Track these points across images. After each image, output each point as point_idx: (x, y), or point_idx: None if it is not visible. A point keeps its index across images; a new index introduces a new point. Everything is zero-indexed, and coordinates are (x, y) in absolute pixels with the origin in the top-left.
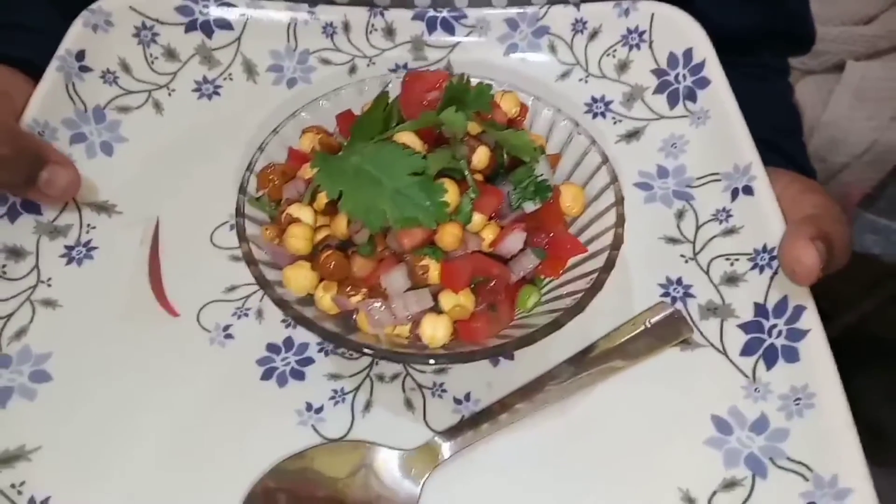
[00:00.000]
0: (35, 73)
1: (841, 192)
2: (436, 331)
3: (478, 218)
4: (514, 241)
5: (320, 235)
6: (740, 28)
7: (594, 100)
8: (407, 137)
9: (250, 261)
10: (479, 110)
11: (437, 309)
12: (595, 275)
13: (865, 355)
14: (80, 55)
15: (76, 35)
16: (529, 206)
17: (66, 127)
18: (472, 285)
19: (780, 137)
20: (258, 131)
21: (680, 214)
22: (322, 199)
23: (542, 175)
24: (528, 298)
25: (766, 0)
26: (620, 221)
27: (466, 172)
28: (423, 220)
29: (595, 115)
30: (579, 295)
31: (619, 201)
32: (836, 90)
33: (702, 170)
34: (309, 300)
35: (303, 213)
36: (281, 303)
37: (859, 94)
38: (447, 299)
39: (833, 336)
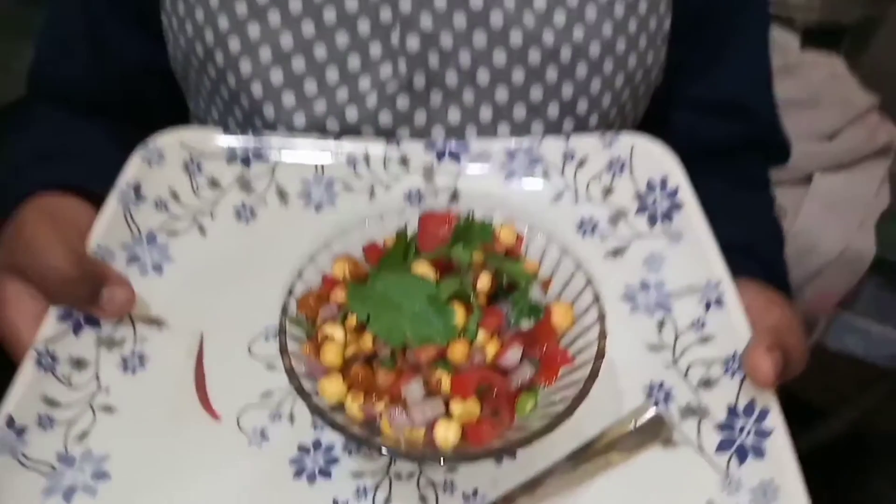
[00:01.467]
0: (93, 195)
1: (817, 296)
2: (447, 434)
3: (482, 335)
4: (513, 354)
5: (350, 351)
6: (722, 139)
7: (583, 220)
8: (422, 268)
9: (291, 374)
10: (483, 242)
11: (448, 414)
12: (583, 383)
13: (877, 451)
14: (137, 186)
15: (134, 168)
16: (525, 324)
17: (123, 250)
18: (478, 393)
19: (760, 246)
20: (290, 251)
21: (661, 324)
22: (352, 320)
23: (534, 298)
24: (526, 404)
25: (741, 113)
26: (602, 336)
27: (472, 297)
28: (437, 338)
29: (585, 234)
30: (570, 400)
31: (601, 318)
32: (805, 201)
33: (679, 284)
34: (340, 407)
35: (336, 331)
36: (317, 410)
37: (827, 204)
38: (457, 406)
39: (840, 432)
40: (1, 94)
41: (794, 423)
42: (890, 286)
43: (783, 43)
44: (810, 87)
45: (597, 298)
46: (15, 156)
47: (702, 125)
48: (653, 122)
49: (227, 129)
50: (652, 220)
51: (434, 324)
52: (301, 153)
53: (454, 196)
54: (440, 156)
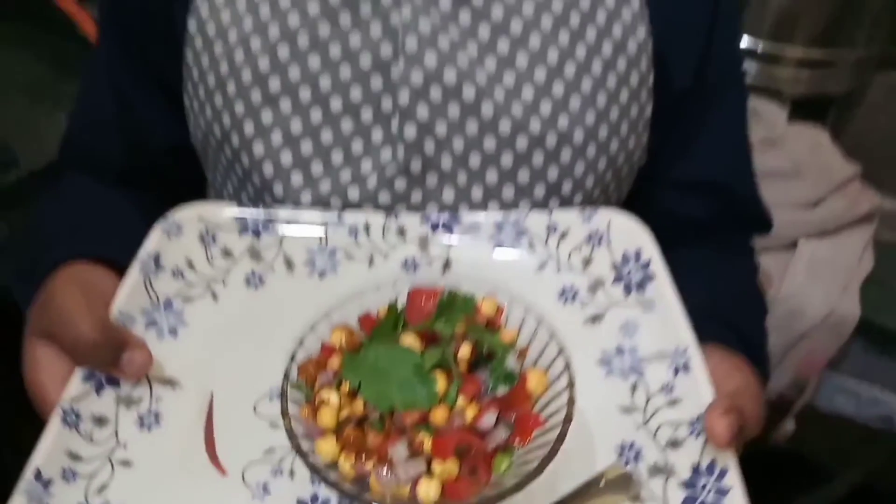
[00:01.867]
0: (117, 263)
1: (806, 358)
2: (429, 490)
3: (461, 401)
4: (489, 418)
5: (344, 414)
6: (703, 215)
7: (565, 288)
8: (409, 339)
9: (290, 434)
10: (465, 314)
11: (430, 473)
12: (552, 444)
13: None
14: (156, 257)
15: (154, 240)
16: (501, 390)
17: (143, 315)
18: (457, 454)
19: (735, 314)
20: (295, 316)
21: (633, 387)
22: (346, 386)
23: (510, 366)
24: (501, 464)
25: (721, 192)
26: (571, 402)
27: (453, 366)
28: (421, 404)
29: (566, 301)
30: (540, 460)
31: (571, 385)
32: (791, 266)
33: (651, 350)
34: (334, 465)
35: (331, 396)
36: (313, 468)
37: (812, 269)
38: (438, 465)
39: (845, 493)
40: (33, 160)
41: (799, 483)
42: (875, 348)
43: (769, 116)
44: (794, 158)
45: (567, 366)
46: (48, 226)
47: (684, 203)
48: (638, 197)
49: (240, 203)
50: (627, 290)
51: (418, 391)
52: (307, 225)
53: (447, 264)
54: (434, 227)
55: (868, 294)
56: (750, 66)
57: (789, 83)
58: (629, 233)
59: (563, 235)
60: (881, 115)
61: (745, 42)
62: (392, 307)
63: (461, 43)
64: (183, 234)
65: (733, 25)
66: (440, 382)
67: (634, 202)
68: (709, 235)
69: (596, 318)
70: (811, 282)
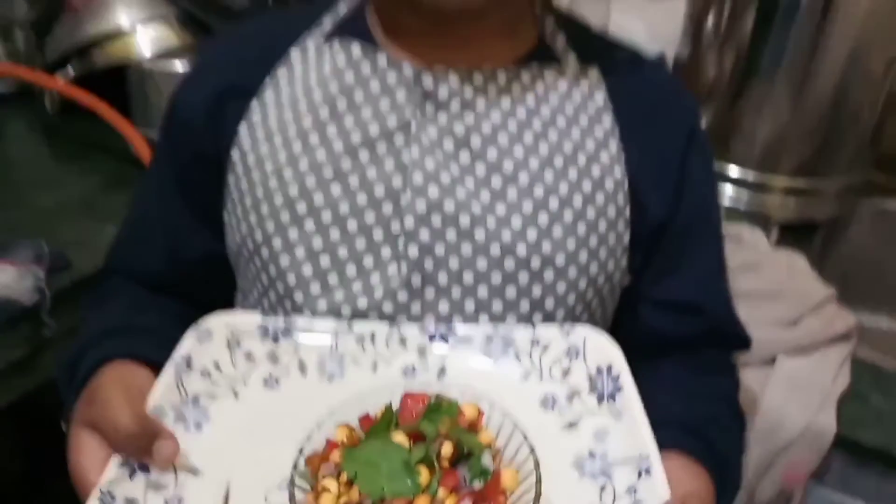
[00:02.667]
0: (151, 362)
1: (788, 471)
2: None
3: (442, 492)
4: None
5: (342, 501)
6: (682, 333)
7: (546, 397)
8: (400, 437)
9: None
10: (450, 417)
11: None
12: None
13: None
14: (188, 359)
15: (187, 344)
16: (477, 485)
17: (172, 410)
18: None
19: (704, 425)
20: (305, 415)
21: (602, 489)
22: (344, 476)
23: (486, 463)
24: None
25: (698, 314)
26: (537, 497)
27: (435, 462)
28: (406, 493)
29: (547, 408)
30: None
31: (538, 481)
32: (770, 381)
33: (619, 455)
34: None
35: (331, 485)
36: None
37: (791, 384)
38: None
39: None
40: (84, 266)
41: None
42: (854, 462)
43: (752, 241)
44: (772, 280)
45: (537, 466)
46: (93, 327)
47: (664, 321)
48: (625, 313)
49: (263, 307)
50: (600, 399)
51: (405, 482)
52: (320, 334)
53: (442, 371)
54: (432, 337)
55: (845, 410)
56: (740, 194)
57: (777, 210)
58: (602, 348)
59: (545, 349)
60: (867, 238)
61: (734, 171)
62: (387, 409)
63: (460, 178)
64: (212, 339)
65: (705, 164)
66: (424, 475)
67: (621, 318)
68: (690, 351)
69: (572, 425)
70: (790, 397)
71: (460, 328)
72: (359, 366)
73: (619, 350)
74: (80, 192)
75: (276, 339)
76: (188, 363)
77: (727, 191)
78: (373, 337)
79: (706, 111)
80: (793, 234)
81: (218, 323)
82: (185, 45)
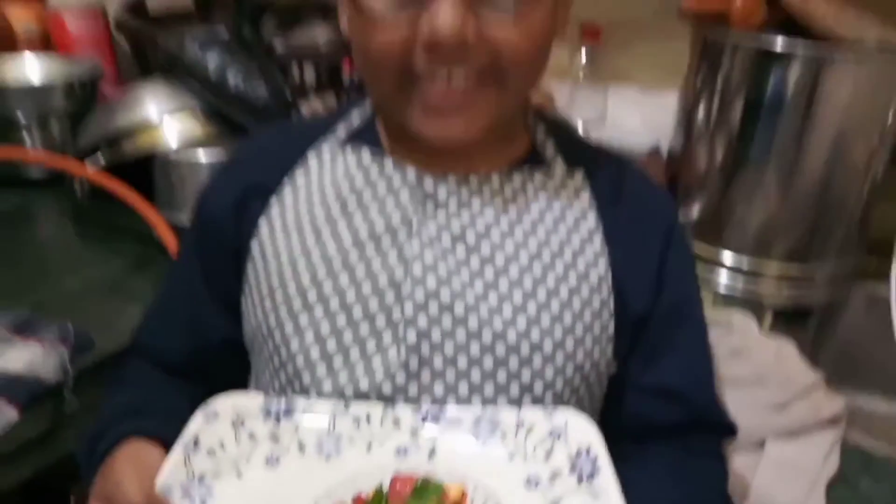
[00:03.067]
0: (163, 441)
1: None
2: None
3: None
4: None
5: None
6: (667, 419)
7: (530, 476)
8: None
9: None
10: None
11: None
12: None
13: None
14: (196, 438)
15: (195, 424)
16: None
17: (180, 488)
18: None
19: None
20: (302, 493)
21: None
22: None
23: None
24: None
25: (683, 401)
26: None
27: None
28: None
29: (531, 488)
30: None
31: None
32: (759, 465)
33: None
34: None
35: None
36: None
37: (780, 468)
38: None
39: None
40: (107, 345)
41: None
42: None
43: (742, 327)
44: (760, 366)
45: None
46: (116, 408)
47: (650, 407)
48: (613, 399)
49: (275, 387)
50: (579, 480)
51: None
52: (318, 414)
53: (433, 452)
54: (424, 419)
55: (835, 495)
56: (735, 281)
57: (771, 296)
58: (582, 430)
59: (530, 430)
60: (860, 323)
61: (728, 258)
62: (378, 491)
63: (456, 270)
64: (219, 419)
65: (684, 258)
66: None
67: (610, 403)
68: (677, 437)
69: (556, 503)
70: (779, 482)
71: (450, 410)
72: (354, 446)
73: (597, 432)
74: (106, 275)
75: (277, 420)
76: (196, 442)
77: (722, 277)
78: (368, 418)
79: (699, 199)
80: (787, 320)
81: (224, 404)
82: (208, 137)
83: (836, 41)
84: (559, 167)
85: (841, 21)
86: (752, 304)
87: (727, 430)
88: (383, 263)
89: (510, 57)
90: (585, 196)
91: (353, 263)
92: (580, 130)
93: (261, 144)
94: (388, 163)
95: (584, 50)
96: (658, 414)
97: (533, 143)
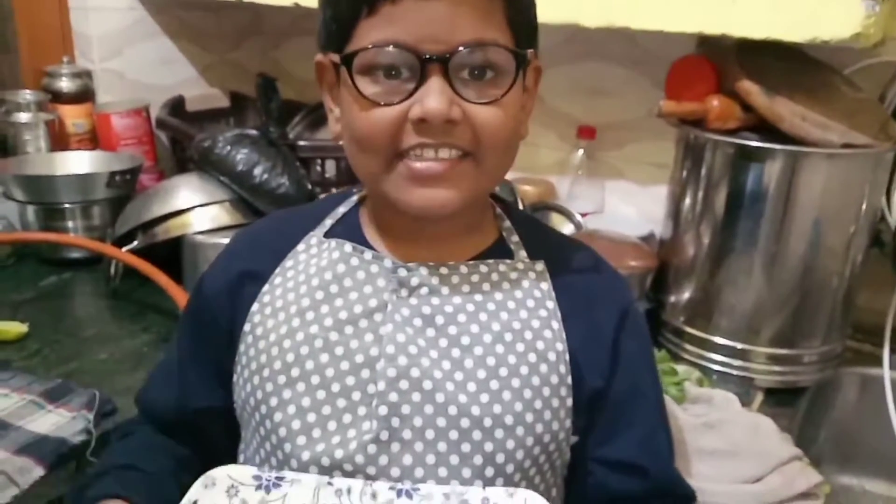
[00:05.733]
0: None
1: None
2: None
3: None
4: None
5: None
6: (627, 490)
7: None
8: None
9: None
10: None
11: None
12: None
13: None
14: (195, 502)
15: (195, 490)
16: None
17: None
18: None
19: None
20: None
21: None
22: None
23: None
24: None
25: (641, 473)
26: None
27: None
28: None
29: None
30: None
31: None
32: None
33: None
34: None
35: None
36: None
37: None
38: None
39: None
40: (126, 413)
41: None
42: None
43: (722, 403)
44: (736, 440)
45: None
46: (109, 461)
47: (610, 479)
48: (576, 470)
49: (260, 456)
50: None
51: None
52: (305, 486)
53: None
54: (399, 494)
55: None
56: (728, 360)
57: (762, 376)
58: None
59: None
60: (851, 404)
61: (719, 339)
62: None
63: (425, 349)
64: (216, 487)
65: (638, 339)
66: None
67: (573, 474)
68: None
69: None
70: None
71: (423, 487)
72: None
73: None
74: (134, 347)
75: (267, 490)
76: None
77: (715, 357)
78: (349, 491)
79: (689, 284)
80: (778, 399)
81: (221, 473)
82: (235, 223)
83: (804, 141)
84: (522, 258)
85: (808, 122)
86: (744, 383)
87: (686, 498)
88: (360, 343)
89: (487, 138)
90: (545, 284)
91: (332, 344)
92: (580, 221)
93: (256, 234)
94: (368, 254)
95: (581, 148)
96: (618, 485)
97: (500, 235)
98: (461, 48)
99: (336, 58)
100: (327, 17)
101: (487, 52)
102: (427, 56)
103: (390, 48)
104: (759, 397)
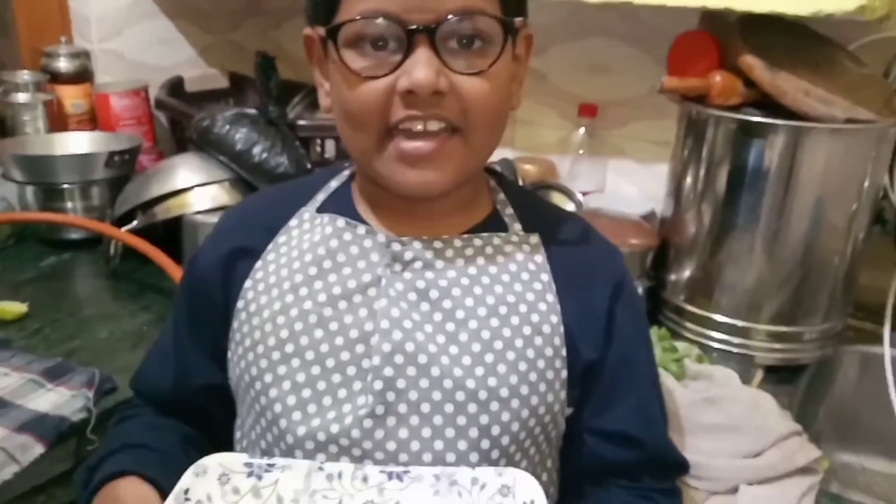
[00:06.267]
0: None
1: None
2: None
3: None
4: None
5: None
6: (621, 460)
7: None
8: None
9: None
10: None
11: None
12: None
13: None
14: (186, 490)
15: (187, 479)
16: None
17: None
18: None
19: None
20: None
21: None
22: None
23: None
24: None
25: (634, 444)
26: None
27: None
28: None
29: None
30: None
31: None
32: None
33: None
34: None
35: None
36: None
37: None
38: None
39: None
40: (128, 391)
41: None
42: None
43: (722, 379)
44: (735, 416)
45: None
46: (114, 443)
47: (605, 449)
48: (572, 442)
49: (255, 436)
50: None
51: None
52: (296, 472)
53: None
54: (389, 476)
55: None
56: (728, 338)
57: (762, 353)
58: (527, 487)
59: (483, 486)
60: (851, 381)
61: (720, 317)
62: None
63: (420, 324)
64: (207, 475)
65: (632, 311)
66: None
67: (569, 446)
68: (633, 476)
69: None
70: None
71: (413, 469)
72: (328, 500)
73: (540, 489)
74: (133, 327)
75: (259, 477)
76: (186, 494)
77: (715, 335)
78: (340, 475)
79: (690, 262)
80: (778, 377)
81: (213, 461)
82: (235, 203)
83: (807, 116)
84: (516, 231)
85: (811, 97)
86: (745, 360)
87: (679, 467)
88: (355, 319)
89: (475, 110)
90: (539, 257)
91: (327, 319)
92: (581, 200)
93: (248, 210)
94: (361, 228)
95: (582, 127)
96: (613, 456)
97: (494, 209)
98: (448, 17)
99: (322, 31)
100: None
101: (475, 20)
102: (413, 27)
103: (378, 20)
104: (760, 375)
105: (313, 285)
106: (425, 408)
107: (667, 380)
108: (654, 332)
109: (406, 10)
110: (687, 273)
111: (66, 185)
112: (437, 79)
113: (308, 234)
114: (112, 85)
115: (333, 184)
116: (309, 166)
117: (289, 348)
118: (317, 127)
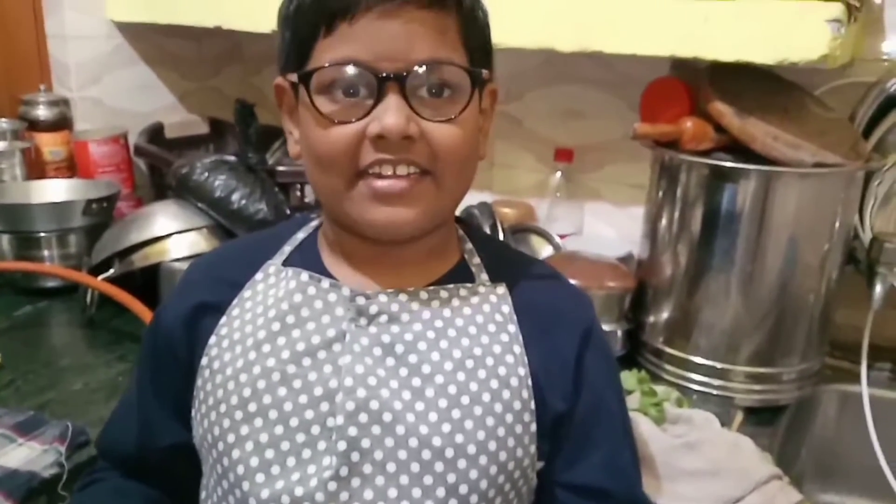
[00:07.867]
0: None
1: None
2: None
3: None
4: None
5: None
6: None
7: None
8: None
9: None
10: None
11: None
12: None
13: None
14: None
15: None
16: None
17: None
18: None
19: None
20: None
21: None
22: None
23: None
24: None
25: (605, 497)
26: None
27: None
28: None
29: None
30: None
31: None
32: None
33: None
34: None
35: None
36: None
37: None
38: None
39: None
40: None
41: None
42: None
43: (702, 423)
44: (715, 460)
45: None
46: None
47: (574, 502)
48: (544, 495)
49: (217, 498)
50: None
51: None
52: None
53: None
54: None
55: None
56: (708, 379)
57: (742, 394)
58: None
59: None
60: (831, 421)
61: (698, 359)
62: None
63: (385, 380)
64: None
65: (602, 359)
66: None
67: (540, 499)
68: None
69: None
70: None
71: None
72: None
73: None
74: (108, 377)
75: None
76: None
77: (694, 377)
78: None
79: (667, 304)
80: (758, 418)
81: None
82: (212, 249)
83: (777, 161)
84: (483, 281)
85: (780, 142)
86: (725, 402)
87: None
88: (319, 376)
89: (445, 155)
90: (506, 308)
91: (290, 377)
92: (559, 243)
93: (214, 262)
94: (325, 282)
95: (559, 171)
96: None
97: (462, 258)
98: (417, 67)
99: (294, 77)
100: (286, 39)
101: (443, 70)
102: (384, 74)
103: (349, 67)
104: (740, 416)
105: (276, 342)
106: (391, 467)
107: (646, 425)
108: (634, 375)
109: (377, 58)
110: (665, 315)
111: (42, 234)
112: (406, 124)
113: (273, 288)
114: (91, 132)
115: (300, 235)
116: (288, 212)
117: (252, 407)
118: (296, 172)
